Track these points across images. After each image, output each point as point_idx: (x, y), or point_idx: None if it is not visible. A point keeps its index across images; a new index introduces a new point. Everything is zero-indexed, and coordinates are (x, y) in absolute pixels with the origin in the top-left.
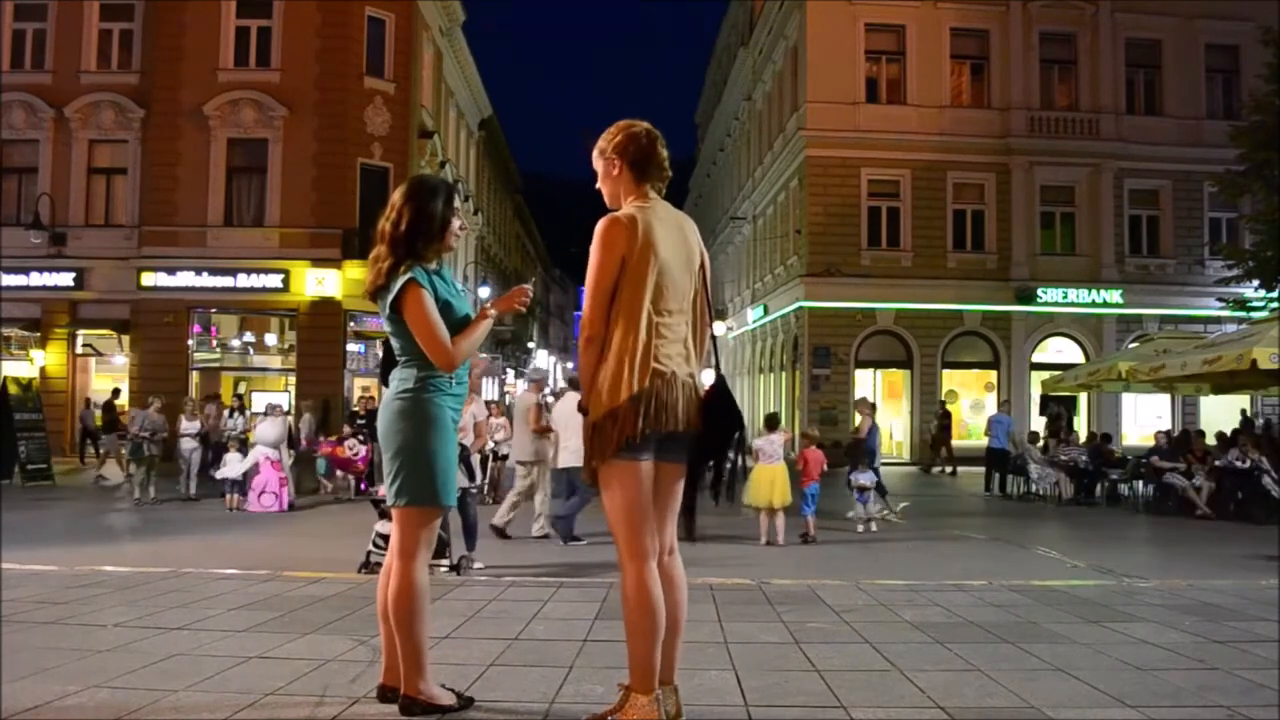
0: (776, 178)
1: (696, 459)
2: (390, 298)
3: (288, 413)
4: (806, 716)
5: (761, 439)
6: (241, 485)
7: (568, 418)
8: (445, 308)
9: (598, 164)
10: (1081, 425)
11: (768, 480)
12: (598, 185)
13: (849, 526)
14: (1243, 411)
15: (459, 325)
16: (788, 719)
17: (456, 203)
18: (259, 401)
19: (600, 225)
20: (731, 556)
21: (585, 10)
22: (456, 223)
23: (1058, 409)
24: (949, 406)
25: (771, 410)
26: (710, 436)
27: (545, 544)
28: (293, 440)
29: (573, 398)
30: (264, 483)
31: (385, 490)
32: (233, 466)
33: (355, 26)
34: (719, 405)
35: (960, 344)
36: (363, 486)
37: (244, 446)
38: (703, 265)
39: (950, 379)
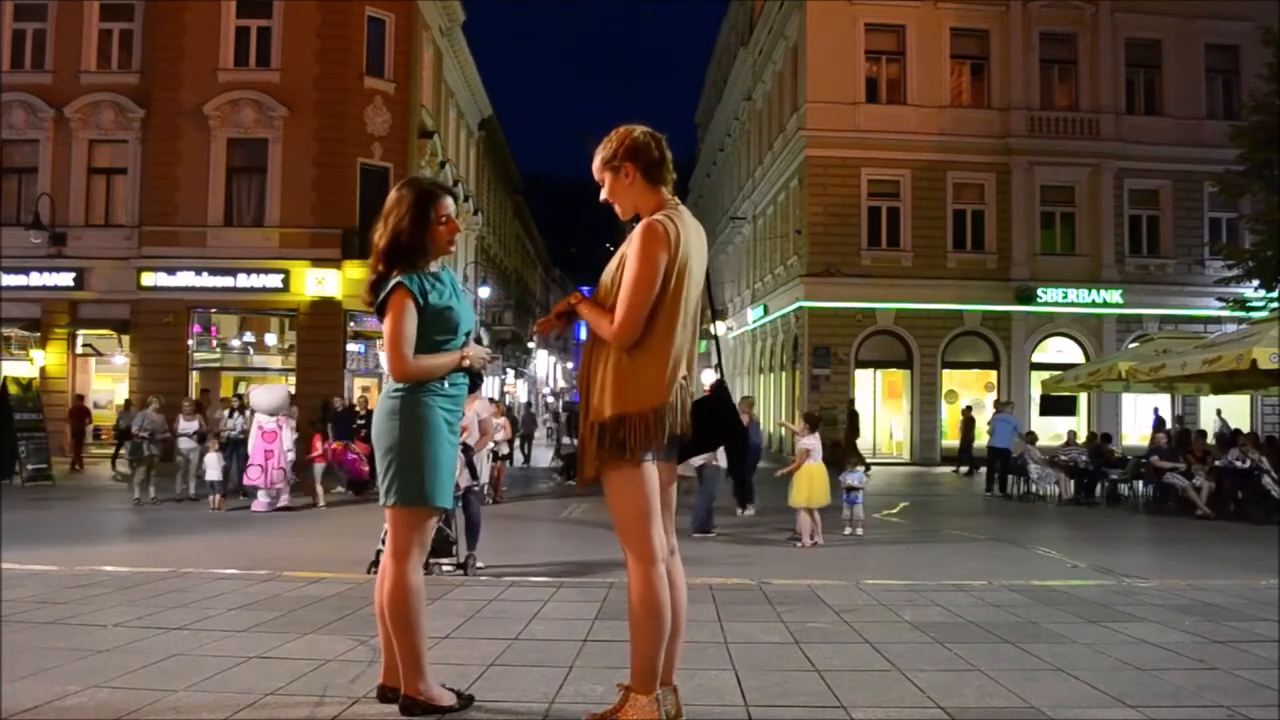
0: (776, 178)
1: (682, 457)
2: (379, 300)
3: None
4: (806, 716)
5: (810, 439)
6: (223, 485)
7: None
8: (444, 312)
9: (603, 176)
10: (1081, 425)
11: (815, 480)
12: (604, 198)
13: (838, 527)
14: (1155, 410)
15: (454, 329)
16: (788, 719)
17: (449, 206)
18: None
19: (643, 232)
20: (731, 556)
21: (585, 10)
22: (447, 230)
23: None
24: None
25: (808, 411)
26: (702, 442)
27: (559, 542)
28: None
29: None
30: (255, 454)
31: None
32: (213, 469)
33: (355, 26)
34: (718, 415)
35: (960, 344)
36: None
37: (225, 446)
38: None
39: (950, 379)
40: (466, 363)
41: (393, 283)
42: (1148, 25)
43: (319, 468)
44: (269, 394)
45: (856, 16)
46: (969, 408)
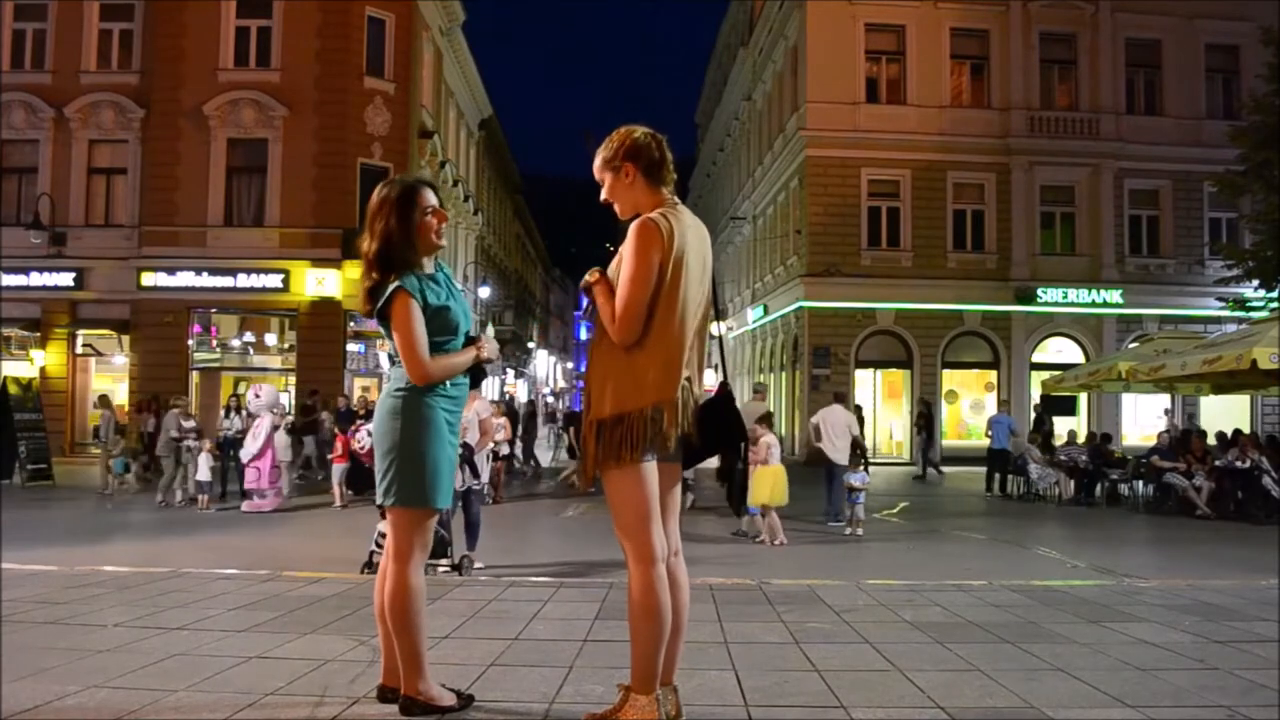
0: (776, 178)
1: (687, 462)
2: (378, 305)
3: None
4: (806, 716)
5: (770, 435)
6: (211, 486)
7: (835, 423)
8: (442, 312)
9: (604, 175)
10: (1081, 425)
11: (778, 479)
12: (604, 198)
13: (838, 528)
14: (1037, 410)
15: (453, 329)
16: (788, 719)
17: (430, 198)
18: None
19: (637, 229)
20: (731, 556)
21: (585, 10)
22: (435, 219)
23: (923, 406)
24: (948, 405)
25: (768, 411)
26: (705, 445)
27: (559, 542)
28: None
29: (839, 410)
30: (262, 456)
31: (377, 488)
32: (203, 469)
33: (355, 26)
34: (721, 416)
35: (960, 344)
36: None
37: (221, 446)
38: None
39: (950, 379)
40: (484, 356)
41: (392, 287)
42: (1148, 25)
43: (340, 468)
44: (270, 394)
45: (856, 16)
46: (859, 406)
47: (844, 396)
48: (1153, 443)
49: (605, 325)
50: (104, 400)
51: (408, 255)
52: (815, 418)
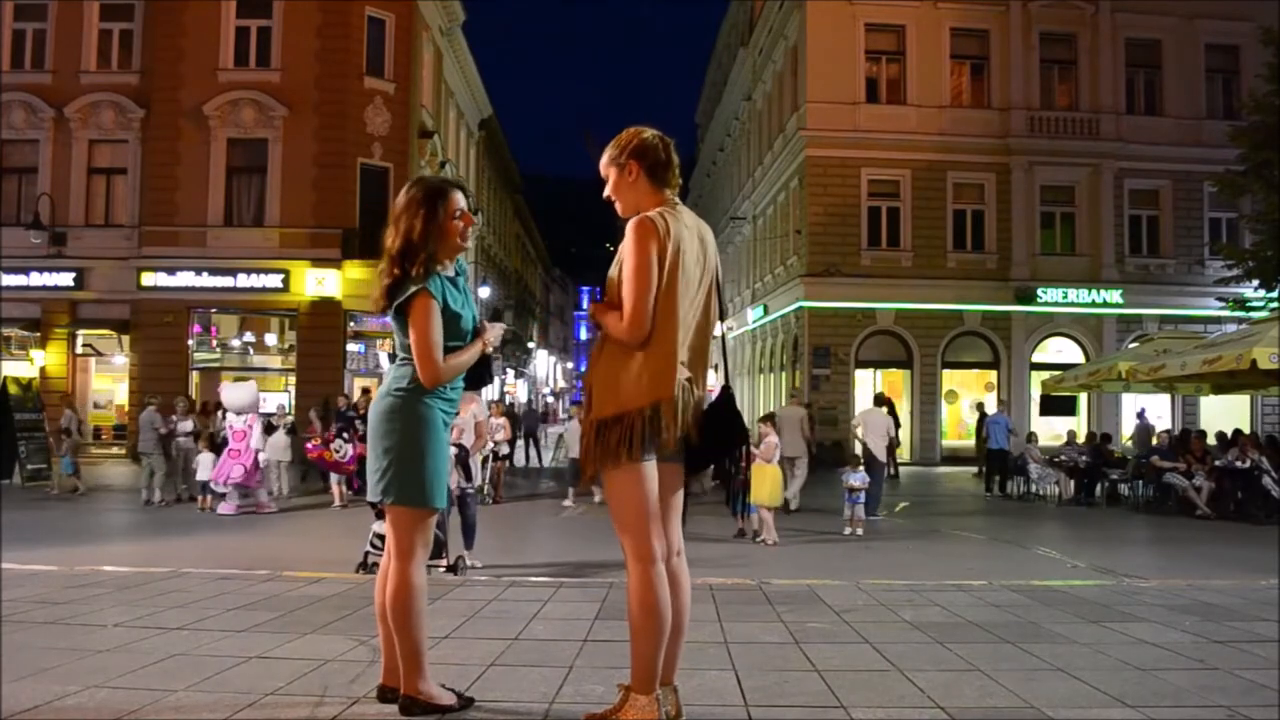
0: (776, 178)
1: (691, 466)
2: (400, 301)
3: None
4: (806, 716)
5: (775, 436)
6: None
7: (875, 425)
8: (455, 320)
9: (609, 172)
10: (1081, 425)
11: (776, 480)
12: (607, 195)
13: (838, 528)
14: (979, 410)
15: (462, 336)
16: (788, 719)
17: (459, 201)
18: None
19: (634, 227)
20: (731, 556)
21: (586, 10)
22: (462, 223)
23: (885, 403)
24: (951, 406)
25: (770, 411)
26: (709, 447)
27: (559, 542)
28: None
29: (877, 412)
30: (228, 458)
31: (369, 486)
32: (204, 468)
33: (355, 26)
34: (723, 418)
35: (960, 344)
36: (354, 485)
37: (215, 446)
38: (716, 272)
39: (950, 379)
40: (489, 342)
41: (417, 288)
42: (1148, 25)
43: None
44: (242, 392)
45: (856, 16)
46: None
47: (884, 399)
48: (1130, 444)
49: (617, 335)
50: (64, 398)
51: (429, 257)
52: (856, 419)
